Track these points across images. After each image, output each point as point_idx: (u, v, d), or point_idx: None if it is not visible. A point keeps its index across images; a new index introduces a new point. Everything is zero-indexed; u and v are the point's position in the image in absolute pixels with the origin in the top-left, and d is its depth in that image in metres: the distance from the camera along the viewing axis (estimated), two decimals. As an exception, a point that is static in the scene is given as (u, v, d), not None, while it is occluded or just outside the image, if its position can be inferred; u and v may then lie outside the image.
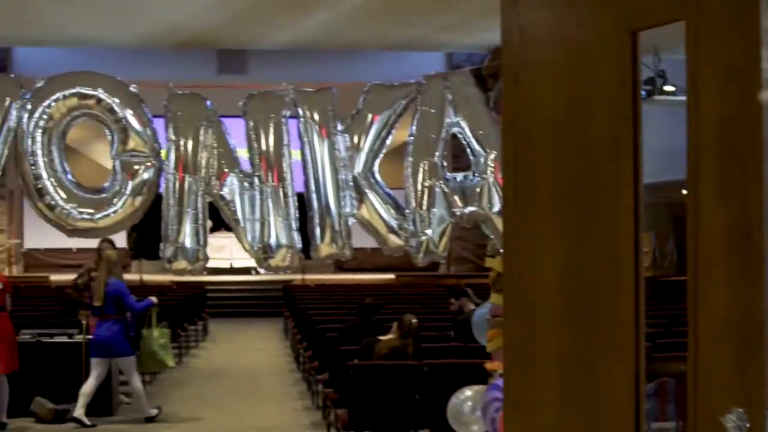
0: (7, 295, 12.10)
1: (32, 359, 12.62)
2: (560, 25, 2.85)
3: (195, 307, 20.38)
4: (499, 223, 6.81)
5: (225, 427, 12.57)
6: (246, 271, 28.94)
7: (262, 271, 22.63)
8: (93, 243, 28.15)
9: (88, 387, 12.30)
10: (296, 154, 6.88)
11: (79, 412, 12.20)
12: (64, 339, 13.02)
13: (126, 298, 12.50)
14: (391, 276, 27.89)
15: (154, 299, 13.04)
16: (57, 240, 28.51)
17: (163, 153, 6.81)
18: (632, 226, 2.58)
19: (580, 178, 2.77)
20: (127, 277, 26.76)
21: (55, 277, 27.73)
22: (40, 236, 29.81)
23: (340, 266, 28.13)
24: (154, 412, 12.65)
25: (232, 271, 29.11)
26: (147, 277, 26.59)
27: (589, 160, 2.75)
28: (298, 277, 25.82)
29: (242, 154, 6.91)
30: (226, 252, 27.56)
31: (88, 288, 13.35)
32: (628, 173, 2.61)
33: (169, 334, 13.41)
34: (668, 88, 13.08)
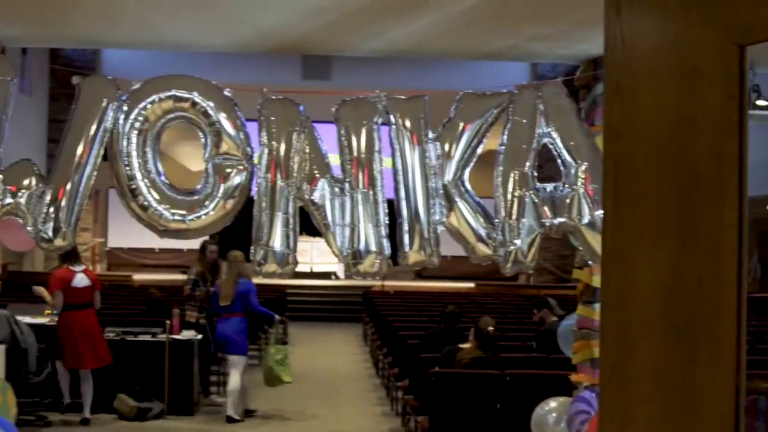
0: (96, 292, 12.31)
1: (116, 357, 12.83)
2: (665, 37, 2.84)
3: (275, 310, 20.46)
4: (588, 234, 6.78)
5: (304, 430, 12.64)
6: (326, 275, 29.07)
7: (341, 275, 22.91)
8: (177, 244, 28.40)
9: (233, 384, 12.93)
10: (386, 161, 6.91)
11: (230, 411, 12.84)
12: (148, 338, 13.18)
13: (251, 295, 13.10)
14: (471, 285, 27.82)
15: (277, 317, 13.74)
16: (140, 239, 29.01)
17: (255, 157, 6.87)
18: (735, 241, 2.56)
19: (682, 190, 2.76)
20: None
21: (138, 277, 28.04)
22: (124, 235, 30.23)
23: (419, 273, 28.11)
24: (238, 417, 12.87)
25: (313, 275, 29.21)
26: (228, 279, 26.73)
27: (692, 173, 2.74)
28: (377, 283, 25.85)
29: (333, 159, 6.96)
30: (307, 256, 27.65)
31: (208, 294, 13.65)
32: (733, 188, 2.59)
33: (286, 351, 13.78)
34: (761, 102, 12.92)
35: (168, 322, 13.06)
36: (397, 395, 13.15)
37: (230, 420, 12.74)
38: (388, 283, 25.85)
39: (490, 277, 28.55)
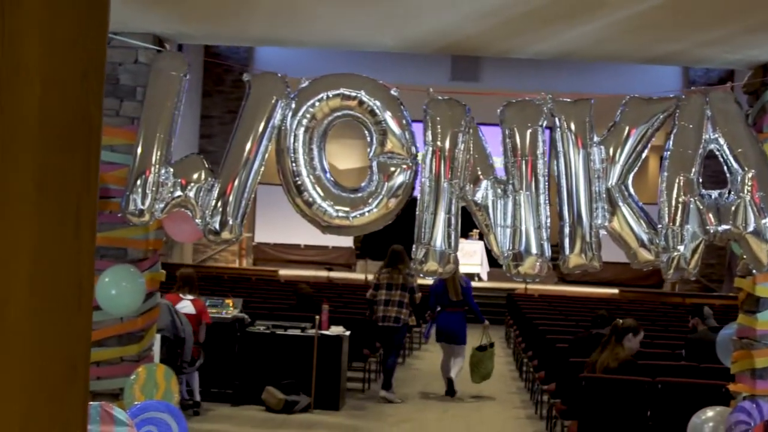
0: (202, 324, 12.28)
1: (265, 350, 13.10)
2: None
3: (419, 309, 20.52)
4: (753, 242, 6.70)
5: (448, 429, 12.69)
6: (470, 277, 29.00)
7: (485, 277, 22.99)
8: (322, 240, 28.36)
9: (446, 365, 15.27)
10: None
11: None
12: (297, 332, 13.37)
13: (471, 292, 15.28)
14: (614, 291, 27.52)
15: (486, 322, 15.29)
16: (286, 235, 29.28)
17: (419, 156, 6.93)
18: None
19: None
20: (351, 276, 27.33)
21: (284, 272, 28.34)
22: (270, 231, 30.59)
23: (562, 278, 27.87)
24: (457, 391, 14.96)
25: (455, 276, 29.14)
26: (372, 277, 26.85)
27: None
28: (521, 285, 25.73)
29: (497, 161, 6.99)
30: (451, 257, 27.55)
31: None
32: None
33: (480, 356, 15.29)
34: None
35: (318, 317, 13.21)
36: (543, 399, 13.11)
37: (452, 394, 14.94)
38: (531, 286, 25.71)
39: (632, 283, 28.24)
